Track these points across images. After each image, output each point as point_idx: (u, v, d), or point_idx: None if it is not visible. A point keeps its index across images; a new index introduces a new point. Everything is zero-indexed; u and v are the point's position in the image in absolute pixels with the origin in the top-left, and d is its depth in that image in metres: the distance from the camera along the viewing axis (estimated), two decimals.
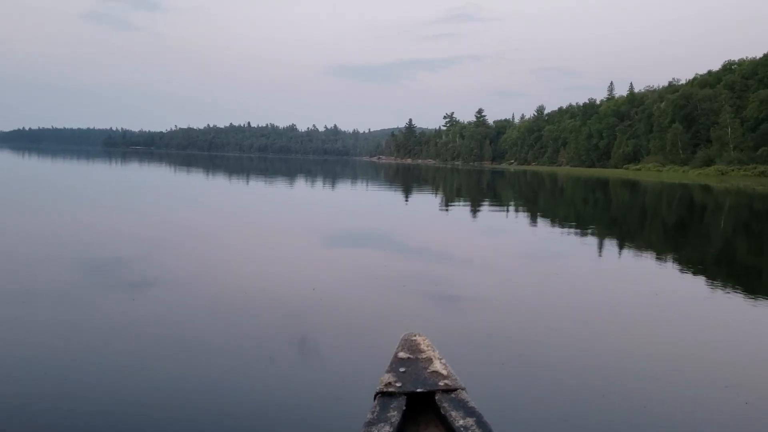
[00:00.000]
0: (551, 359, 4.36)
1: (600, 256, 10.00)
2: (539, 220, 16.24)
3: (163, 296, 5.83)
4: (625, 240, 12.47)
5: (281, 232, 11.31)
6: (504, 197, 26.69)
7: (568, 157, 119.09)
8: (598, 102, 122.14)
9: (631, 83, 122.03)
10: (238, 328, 4.84)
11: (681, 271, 8.76)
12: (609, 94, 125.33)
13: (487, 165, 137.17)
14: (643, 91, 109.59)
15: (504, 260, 9.26)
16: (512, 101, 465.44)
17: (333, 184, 31.44)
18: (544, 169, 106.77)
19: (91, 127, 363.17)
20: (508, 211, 18.87)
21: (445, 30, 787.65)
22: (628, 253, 10.37)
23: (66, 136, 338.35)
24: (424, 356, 2.23)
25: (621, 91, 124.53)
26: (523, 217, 16.95)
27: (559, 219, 16.46)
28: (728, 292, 7.15)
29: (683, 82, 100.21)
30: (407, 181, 40.95)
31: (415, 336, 2.41)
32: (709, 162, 73.18)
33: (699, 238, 13.38)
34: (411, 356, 2.24)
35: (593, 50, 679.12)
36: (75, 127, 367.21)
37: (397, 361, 2.20)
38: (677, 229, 15.10)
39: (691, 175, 67.61)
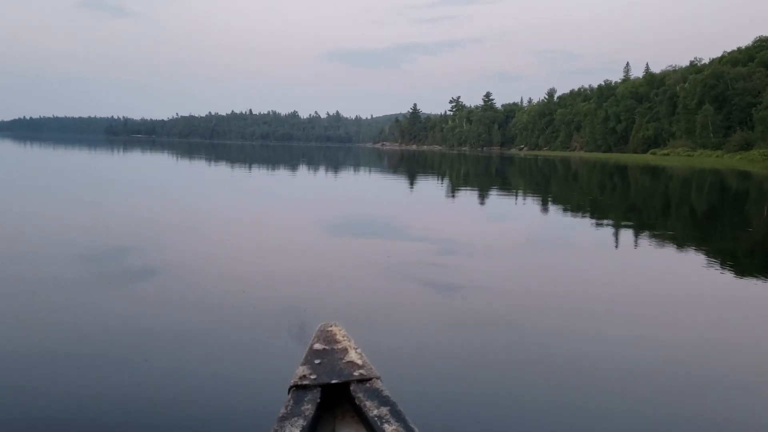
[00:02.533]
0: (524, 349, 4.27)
1: (615, 245, 9.31)
2: (552, 208, 15.30)
3: (150, 288, 5.72)
4: (643, 229, 11.45)
5: (285, 222, 10.98)
6: (514, 184, 25.61)
7: (582, 142, 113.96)
8: (613, 83, 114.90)
9: (647, 64, 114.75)
10: (237, 320, 4.75)
11: (707, 261, 7.99)
12: (625, 75, 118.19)
13: (496, 150, 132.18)
14: (664, 70, 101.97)
15: (505, 248, 8.81)
16: (515, 85, 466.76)
17: (336, 172, 31.03)
18: (557, 154, 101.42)
19: (93, 115, 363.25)
20: (517, 198, 18.14)
21: (443, 13, 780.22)
22: (644, 242, 9.51)
23: (67, 125, 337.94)
24: (340, 346, 2.22)
25: (631, 73, 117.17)
26: (534, 205, 15.91)
27: (575, 208, 15.41)
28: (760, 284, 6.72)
29: (706, 61, 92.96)
30: (412, 168, 39.93)
31: (331, 326, 2.39)
32: (746, 146, 66.04)
33: (735, 229, 12.46)
34: (326, 347, 2.22)
35: (595, 33, 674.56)
36: (76, 115, 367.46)
37: (312, 353, 2.19)
38: (709, 218, 14.24)
39: (728, 160, 61.00)
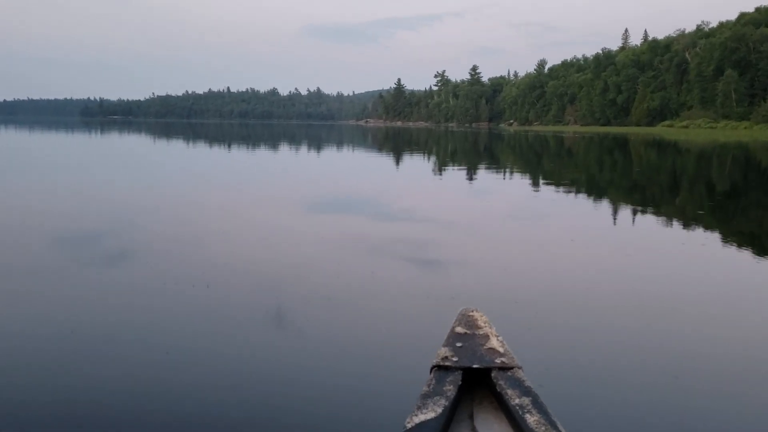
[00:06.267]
0: (610, 339, 4.14)
1: (641, 228, 8.65)
2: (553, 189, 13.30)
3: (176, 267, 5.70)
4: (657, 210, 10.35)
5: (278, 204, 10.65)
6: (504, 161, 24.18)
7: (577, 116, 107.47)
8: (612, 52, 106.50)
9: (645, 30, 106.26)
10: (242, 302, 4.71)
11: (726, 243, 7.53)
12: (624, 43, 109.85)
13: (484, 126, 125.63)
14: (669, 36, 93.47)
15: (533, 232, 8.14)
16: (496, 60, 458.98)
17: (318, 150, 30.43)
18: (549, 128, 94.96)
19: (68, 97, 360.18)
20: (504, 175, 17.21)
21: None
22: (662, 226, 8.70)
23: (43, 108, 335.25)
24: (481, 332, 2.22)
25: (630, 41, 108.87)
26: (528, 185, 14.56)
27: (578, 188, 13.75)
28: None
29: (714, 24, 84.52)
30: (398, 145, 38.62)
31: (472, 311, 2.38)
32: None
33: (759, 209, 11.28)
34: (468, 332, 2.23)
35: (574, 4, 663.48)
36: (52, 98, 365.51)
37: (453, 336, 2.20)
38: (730, 198, 12.67)
39: (759, 132, 53.00)
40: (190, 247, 6.62)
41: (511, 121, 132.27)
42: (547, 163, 22.97)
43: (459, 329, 2.22)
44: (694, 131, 62.89)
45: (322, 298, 4.80)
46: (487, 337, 2.16)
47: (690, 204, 11.62)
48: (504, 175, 17.22)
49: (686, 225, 8.87)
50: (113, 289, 4.88)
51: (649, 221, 9.09)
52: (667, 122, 78.79)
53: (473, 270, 5.86)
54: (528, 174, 17.47)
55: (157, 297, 4.72)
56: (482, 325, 2.26)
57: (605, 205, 11.01)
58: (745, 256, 6.96)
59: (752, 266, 6.38)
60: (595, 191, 13.32)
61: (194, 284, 4.98)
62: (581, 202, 11.30)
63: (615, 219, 9.30)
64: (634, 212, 10.00)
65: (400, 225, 8.36)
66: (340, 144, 38.28)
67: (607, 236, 7.91)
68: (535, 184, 14.59)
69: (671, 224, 8.89)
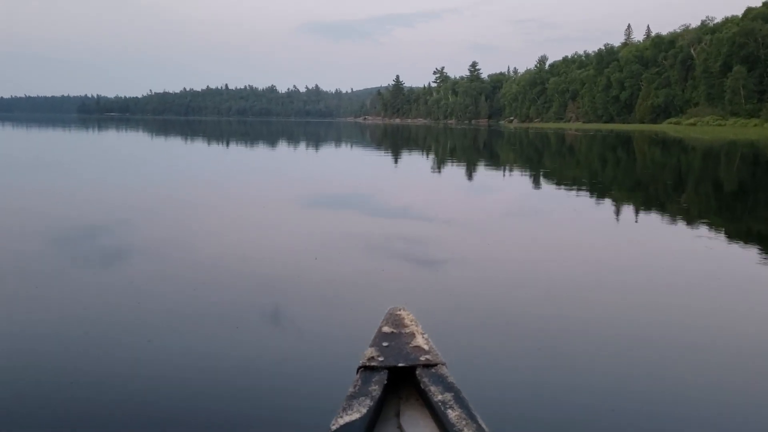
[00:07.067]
0: (540, 334, 4.01)
1: (618, 222, 8.57)
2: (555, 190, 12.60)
3: (140, 266, 5.59)
4: (655, 206, 10.37)
5: (274, 200, 10.64)
6: (503, 159, 23.60)
7: (579, 112, 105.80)
8: (614, 48, 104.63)
9: (648, 26, 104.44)
10: (218, 298, 4.63)
11: (728, 239, 7.21)
12: (626, 39, 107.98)
13: (483, 123, 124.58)
14: (673, 32, 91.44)
15: (502, 228, 8.28)
16: (493, 57, 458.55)
17: (317, 147, 30.12)
18: (550, 125, 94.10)
19: (66, 94, 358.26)
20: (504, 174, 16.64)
21: None
22: (657, 221, 8.67)
23: (40, 105, 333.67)
24: (407, 331, 2.30)
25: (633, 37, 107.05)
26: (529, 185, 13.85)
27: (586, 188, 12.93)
28: None
29: (719, 20, 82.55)
30: (397, 142, 38.20)
31: (399, 310, 2.46)
32: None
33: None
34: (394, 330, 2.31)
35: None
36: (49, 95, 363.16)
37: (380, 335, 2.27)
38: (738, 197, 12.20)
39: None
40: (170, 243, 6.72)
41: (512, 117, 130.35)
42: (547, 162, 22.29)
43: (386, 329, 2.26)
44: (703, 129, 61.25)
45: (269, 294, 4.75)
46: (413, 335, 2.20)
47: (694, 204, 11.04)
48: (502, 172, 16.95)
49: (689, 224, 8.52)
50: (112, 287, 4.85)
51: (645, 220, 8.82)
52: (673, 119, 76.98)
53: (422, 267, 5.73)
54: (526, 171, 17.05)
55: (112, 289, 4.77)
56: (408, 323, 2.29)
57: (592, 203, 10.48)
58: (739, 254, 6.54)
59: (739, 261, 6.11)
60: (597, 191, 12.40)
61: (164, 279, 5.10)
62: (571, 200, 10.74)
63: (604, 218, 8.97)
64: (635, 211, 9.68)
65: (379, 222, 8.29)
66: (338, 141, 37.77)
67: (568, 234, 7.56)
68: (534, 181, 14.29)
69: (668, 223, 8.52)
